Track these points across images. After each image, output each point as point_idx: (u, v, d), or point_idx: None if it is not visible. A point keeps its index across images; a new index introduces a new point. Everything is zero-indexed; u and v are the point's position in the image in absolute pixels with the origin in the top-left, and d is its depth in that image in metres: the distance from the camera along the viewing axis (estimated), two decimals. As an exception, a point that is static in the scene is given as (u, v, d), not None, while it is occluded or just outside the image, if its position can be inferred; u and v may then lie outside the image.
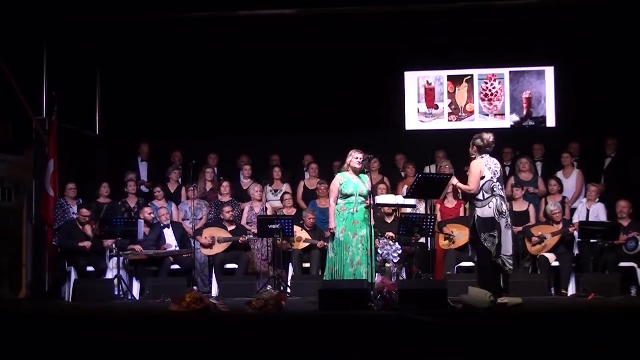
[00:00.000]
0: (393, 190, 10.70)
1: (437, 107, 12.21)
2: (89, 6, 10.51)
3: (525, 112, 12.09)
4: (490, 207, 7.76)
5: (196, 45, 12.09)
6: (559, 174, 10.68)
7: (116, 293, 9.33)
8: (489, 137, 7.98)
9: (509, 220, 7.91)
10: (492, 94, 12.16)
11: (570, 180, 10.67)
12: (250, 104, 12.26)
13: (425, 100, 12.24)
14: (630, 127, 11.32)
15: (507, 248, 7.85)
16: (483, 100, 12.18)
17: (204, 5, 10.57)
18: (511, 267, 8.02)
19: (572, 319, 6.84)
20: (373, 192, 8.20)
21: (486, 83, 12.19)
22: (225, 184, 10.73)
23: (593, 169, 10.96)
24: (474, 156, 7.99)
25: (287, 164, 11.67)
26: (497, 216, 7.75)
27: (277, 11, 10.76)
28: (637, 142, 11.11)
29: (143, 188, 11.32)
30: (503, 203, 7.81)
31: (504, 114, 12.16)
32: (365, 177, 8.30)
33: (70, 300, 9.43)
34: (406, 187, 10.39)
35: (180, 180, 11.35)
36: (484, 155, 7.92)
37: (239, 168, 11.50)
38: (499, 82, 12.17)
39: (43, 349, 6.52)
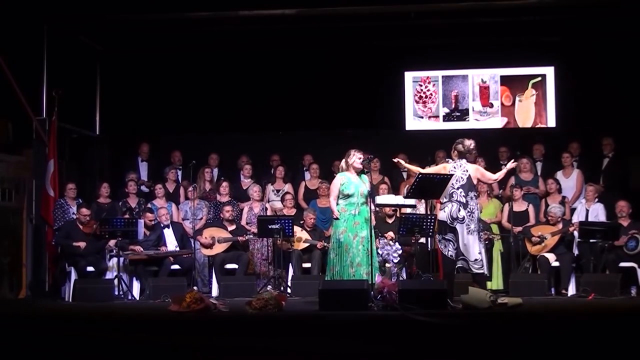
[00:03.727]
0: (395, 190, 10.69)
1: (491, 105, 12.21)
2: (89, 6, 10.51)
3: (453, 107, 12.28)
4: (444, 212, 8.09)
5: (196, 45, 12.09)
6: (559, 174, 10.69)
7: (116, 293, 9.33)
8: (470, 143, 8.24)
9: (474, 226, 8.03)
10: (426, 96, 12.24)
11: (570, 180, 10.67)
12: (250, 103, 12.26)
13: (480, 98, 12.22)
14: (630, 127, 11.32)
15: (470, 252, 7.99)
16: (417, 102, 12.25)
17: (204, 5, 10.57)
18: (479, 271, 8.07)
19: (572, 319, 6.84)
20: (373, 193, 8.18)
21: (420, 85, 12.25)
22: (224, 184, 10.73)
23: (593, 169, 10.96)
24: (448, 160, 8.35)
25: (287, 164, 11.66)
26: (449, 221, 8.02)
27: (277, 11, 10.76)
28: (637, 142, 11.11)
29: (143, 188, 11.33)
30: (461, 209, 8.00)
31: (438, 116, 12.29)
32: (365, 178, 8.28)
33: (70, 300, 9.42)
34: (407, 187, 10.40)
35: (179, 179, 11.35)
36: (457, 160, 8.17)
37: (239, 168, 11.50)
38: (434, 85, 12.24)
39: (43, 349, 6.52)
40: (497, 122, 12.19)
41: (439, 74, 12.29)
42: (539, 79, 12.11)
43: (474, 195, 8.17)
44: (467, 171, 8.10)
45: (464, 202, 8.02)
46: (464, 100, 12.28)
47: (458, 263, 8.06)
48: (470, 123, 12.19)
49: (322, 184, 10.76)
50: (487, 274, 8.33)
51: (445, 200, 8.09)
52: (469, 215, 8.01)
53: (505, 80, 12.22)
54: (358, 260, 8.01)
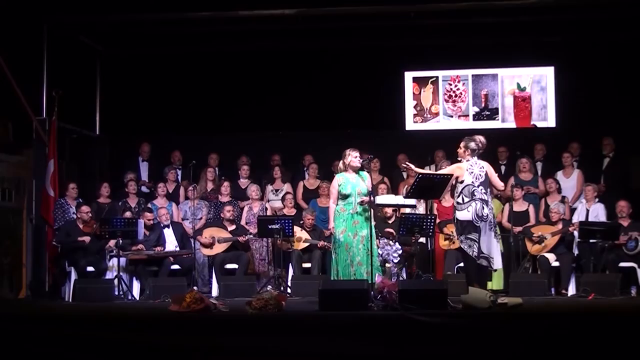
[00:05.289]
0: (394, 190, 10.69)
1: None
2: (89, 6, 10.51)
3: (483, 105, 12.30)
4: (468, 211, 7.90)
5: (196, 45, 12.09)
6: (559, 174, 10.70)
7: (116, 293, 9.33)
8: (482, 139, 8.09)
9: (493, 222, 8.00)
10: (456, 95, 12.23)
11: (571, 180, 10.68)
12: (250, 104, 12.26)
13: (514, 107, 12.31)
14: (630, 127, 11.32)
15: (490, 249, 7.93)
16: (447, 101, 12.23)
17: (204, 5, 10.57)
18: (494, 267, 8.11)
19: (572, 319, 6.83)
20: (373, 192, 8.18)
21: (450, 84, 12.23)
22: (225, 183, 10.74)
23: (593, 169, 10.97)
24: (461, 159, 8.12)
25: (287, 164, 11.68)
26: (475, 220, 7.87)
27: (277, 11, 10.76)
28: (637, 142, 11.11)
29: (143, 188, 11.33)
30: (485, 207, 7.90)
31: (468, 115, 12.27)
32: (365, 175, 8.28)
33: (70, 300, 9.42)
34: (407, 187, 10.39)
35: (179, 179, 11.35)
36: (469, 159, 8.01)
37: (239, 168, 11.49)
38: (463, 84, 12.24)
39: (43, 349, 6.52)
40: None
41: (469, 72, 12.27)
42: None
43: (490, 192, 8.12)
44: (483, 168, 8.00)
45: (486, 199, 7.92)
46: (493, 99, 12.27)
47: (479, 261, 7.94)
48: (498, 122, 12.20)
49: (322, 183, 10.76)
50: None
51: (467, 199, 7.90)
52: (491, 212, 7.96)
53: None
54: (358, 259, 8.03)
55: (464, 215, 7.93)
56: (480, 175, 7.95)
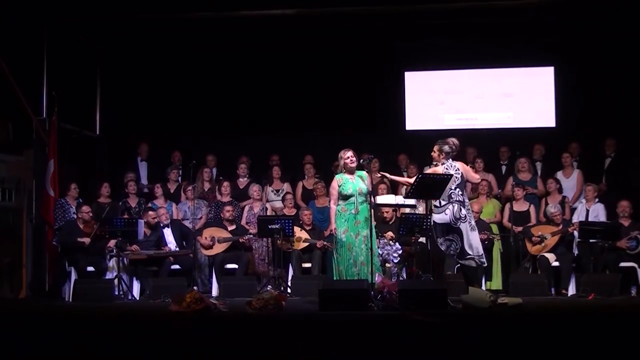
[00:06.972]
0: (394, 191, 10.69)
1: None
2: (89, 6, 10.51)
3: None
4: (446, 214, 7.99)
5: (196, 45, 12.10)
6: (559, 174, 10.69)
7: (116, 293, 9.33)
8: (455, 141, 8.19)
9: (473, 221, 8.07)
10: None
11: (571, 180, 10.68)
12: (250, 104, 12.26)
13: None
14: (630, 127, 11.32)
15: (477, 247, 8.00)
16: None
17: (204, 5, 10.57)
18: (484, 263, 8.19)
19: (572, 319, 6.84)
20: (373, 192, 8.18)
21: None
22: (225, 183, 10.74)
23: (593, 169, 10.96)
24: (436, 163, 8.19)
25: (287, 164, 11.67)
26: (453, 222, 7.94)
27: (277, 11, 10.76)
28: (637, 142, 11.11)
29: (145, 190, 11.32)
30: (462, 208, 7.98)
31: None
32: (364, 175, 8.29)
33: (70, 300, 9.42)
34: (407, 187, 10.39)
35: (180, 179, 11.36)
36: (444, 162, 8.06)
37: (237, 167, 11.48)
38: None
39: (43, 349, 6.52)
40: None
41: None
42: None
43: (465, 192, 8.19)
44: (458, 170, 8.07)
45: (462, 200, 8.00)
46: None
47: (466, 262, 7.99)
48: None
49: (317, 184, 10.75)
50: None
51: (444, 202, 7.98)
52: (468, 212, 8.02)
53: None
54: (362, 259, 8.03)
55: (441, 218, 8.02)
56: (456, 177, 8.02)
